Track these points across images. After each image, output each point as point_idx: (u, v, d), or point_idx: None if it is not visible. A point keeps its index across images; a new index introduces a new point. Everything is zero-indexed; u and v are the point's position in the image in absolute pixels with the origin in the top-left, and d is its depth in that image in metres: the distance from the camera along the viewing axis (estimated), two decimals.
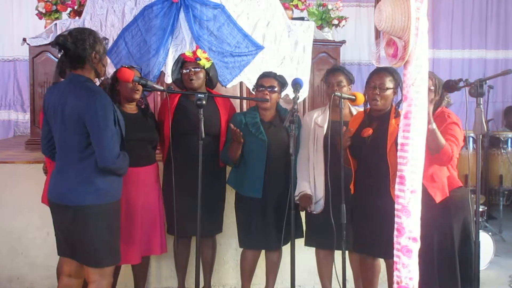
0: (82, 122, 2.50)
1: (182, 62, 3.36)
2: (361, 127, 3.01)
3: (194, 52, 3.35)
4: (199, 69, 3.32)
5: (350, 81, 3.23)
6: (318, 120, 3.26)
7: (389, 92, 2.93)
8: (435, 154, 2.65)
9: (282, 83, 3.32)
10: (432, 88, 2.80)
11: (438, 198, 2.74)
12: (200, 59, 3.33)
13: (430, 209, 2.49)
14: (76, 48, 2.54)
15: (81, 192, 2.53)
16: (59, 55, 2.64)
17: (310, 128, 3.28)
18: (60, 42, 2.55)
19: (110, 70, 3.87)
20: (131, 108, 3.15)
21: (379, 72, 2.95)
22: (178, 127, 3.28)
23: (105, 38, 2.70)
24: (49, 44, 3.76)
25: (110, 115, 2.54)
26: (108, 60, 4.04)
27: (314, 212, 3.22)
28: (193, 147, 3.03)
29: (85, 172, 2.54)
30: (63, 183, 2.57)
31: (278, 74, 3.35)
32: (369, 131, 2.94)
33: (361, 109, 3.14)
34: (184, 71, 3.33)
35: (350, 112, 3.30)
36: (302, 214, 3.35)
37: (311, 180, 3.23)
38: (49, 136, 2.71)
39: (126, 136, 2.69)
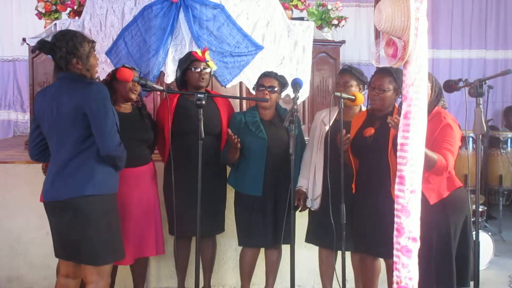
0: (81, 113, 2.52)
1: (191, 61, 3.34)
2: (364, 127, 3.01)
3: (203, 53, 3.35)
4: (208, 70, 3.33)
5: (362, 82, 3.15)
6: (325, 119, 3.26)
7: (388, 93, 2.92)
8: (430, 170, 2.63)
9: (283, 83, 3.33)
10: (429, 85, 2.79)
11: (432, 200, 2.72)
12: (208, 61, 3.34)
13: (427, 210, 2.49)
14: (54, 55, 2.58)
15: (82, 183, 2.54)
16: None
17: (317, 126, 3.29)
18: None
19: (110, 70, 3.87)
20: (126, 107, 3.14)
21: (380, 73, 2.94)
22: (178, 127, 3.28)
23: (93, 41, 2.69)
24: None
25: (109, 103, 2.59)
26: (108, 60, 4.05)
27: (312, 209, 3.24)
28: (193, 147, 3.03)
29: (85, 164, 2.56)
30: (62, 179, 2.57)
31: (278, 74, 3.35)
32: (371, 131, 2.94)
33: None
34: (193, 69, 3.31)
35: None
36: (305, 213, 3.34)
37: (311, 177, 3.23)
38: (38, 139, 2.73)
39: (121, 136, 2.69)
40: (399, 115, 2.34)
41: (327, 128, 3.19)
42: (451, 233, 2.75)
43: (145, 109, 3.29)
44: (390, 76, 2.91)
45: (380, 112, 2.98)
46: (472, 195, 3.30)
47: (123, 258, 2.78)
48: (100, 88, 2.59)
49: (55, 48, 2.58)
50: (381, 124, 2.95)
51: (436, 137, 2.68)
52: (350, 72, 3.17)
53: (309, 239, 3.35)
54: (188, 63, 3.33)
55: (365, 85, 3.18)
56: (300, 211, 3.26)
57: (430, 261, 2.72)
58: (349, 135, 2.97)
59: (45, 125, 2.65)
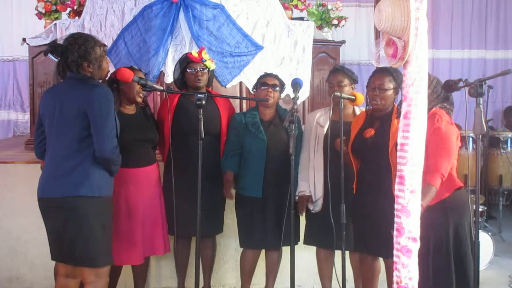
0: (82, 112, 2.55)
1: (187, 62, 3.35)
2: (363, 128, 3.01)
3: (199, 53, 3.35)
4: (206, 70, 3.33)
5: (353, 81, 3.21)
6: (320, 120, 3.26)
7: (389, 92, 2.93)
8: None
9: (282, 85, 3.36)
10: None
11: (432, 202, 2.71)
12: (205, 60, 3.34)
13: (426, 212, 2.49)
14: (65, 59, 2.62)
15: (76, 183, 2.55)
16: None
17: (312, 127, 3.28)
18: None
19: (111, 70, 3.88)
20: (130, 109, 3.15)
21: (379, 73, 2.95)
22: (178, 127, 3.28)
23: (104, 45, 2.73)
24: (48, 44, 3.79)
25: (112, 106, 2.62)
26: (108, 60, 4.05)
27: (313, 211, 3.23)
28: (193, 147, 3.04)
29: (81, 164, 2.58)
30: (57, 177, 2.59)
31: (278, 76, 3.37)
32: (371, 132, 2.94)
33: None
34: (189, 70, 3.32)
35: (354, 112, 3.28)
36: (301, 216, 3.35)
37: (310, 180, 3.23)
38: (41, 137, 2.76)
39: (126, 137, 2.70)
40: (399, 115, 2.34)
41: (324, 129, 3.19)
42: (450, 235, 2.74)
43: (149, 109, 3.31)
44: (390, 75, 2.92)
45: (380, 113, 2.98)
46: (472, 195, 3.29)
47: (113, 263, 2.78)
48: (105, 91, 2.62)
49: (67, 51, 2.62)
50: (381, 124, 2.95)
51: (428, 144, 2.67)
52: (342, 71, 3.21)
53: (308, 240, 3.35)
54: (184, 64, 3.35)
55: (355, 84, 3.22)
56: (301, 214, 3.27)
57: (427, 262, 2.71)
58: (344, 137, 2.94)
59: (46, 122, 2.68)
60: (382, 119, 2.97)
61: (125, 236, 2.99)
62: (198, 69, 3.30)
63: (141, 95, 3.10)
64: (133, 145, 2.93)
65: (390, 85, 2.92)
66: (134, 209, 3.08)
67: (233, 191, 3.40)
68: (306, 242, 3.36)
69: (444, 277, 2.73)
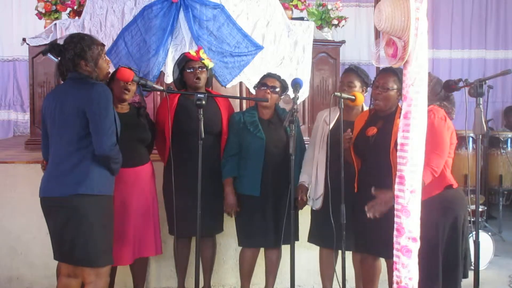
0: (82, 112, 2.56)
1: (186, 61, 3.35)
2: (366, 126, 3.01)
3: (197, 52, 3.35)
4: (204, 69, 3.33)
5: (365, 83, 3.18)
6: (327, 118, 3.27)
7: (392, 92, 2.92)
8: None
9: (284, 87, 3.36)
10: None
11: (422, 197, 2.67)
12: (203, 59, 3.34)
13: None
14: (62, 58, 2.65)
15: (76, 182, 2.56)
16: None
17: (319, 125, 3.30)
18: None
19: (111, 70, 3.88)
20: (123, 107, 3.13)
21: (384, 72, 2.95)
22: (179, 127, 3.28)
23: (102, 44, 2.74)
24: (47, 44, 3.79)
25: (110, 104, 2.62)
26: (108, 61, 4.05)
27: (314, 208, 3.25)
28: (194, 147, 3.03)
29: (81, 163, 2.58)
30: (58, 176, 2.60)
31: (282, 78, 3.36)
32: (373, 130, 2.94)
33: None
34: (188, 70, 3.32)
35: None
36: (305, 214, 3.35)
37: (313, 176, 3.24)
38: (47, 138, 2.76)
39: (118, 136, 2.70)
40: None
41: (329, 128, 3.19)
42: (439, 234, 2.70)
43: (145, 109, 3.29)
44: (395, 75, 2.90)
45: (383, 112, 2.98)
46: (472, 195, 3.29)
47: (113, 263, 2.78)
48: (103, 89, 2.62)
49: (64, 50, 2.64)
50: (384, 124, 2.95)
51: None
52: (356, 72, 3.18)
53: (311, 239, 3.35)
54: (183, 64, 3.35)
55: (368, 87, 3.19)
56: (300, 208, 3.27)
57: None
58: (351, 134, 2.96)
59: (49, 123, 2.69)
60: (385, 119, 2.96)
61: (115, 237, 2.95)
62: (197, 67, 3.30)
63: (126, 91, 3.07)
64: (124, 144, 2.89)
65: (393, 85, 2.91)
66: (126, 209, 3.05)
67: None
68: (310, 240, 3.36)
69: (432, 274, 2.69)
